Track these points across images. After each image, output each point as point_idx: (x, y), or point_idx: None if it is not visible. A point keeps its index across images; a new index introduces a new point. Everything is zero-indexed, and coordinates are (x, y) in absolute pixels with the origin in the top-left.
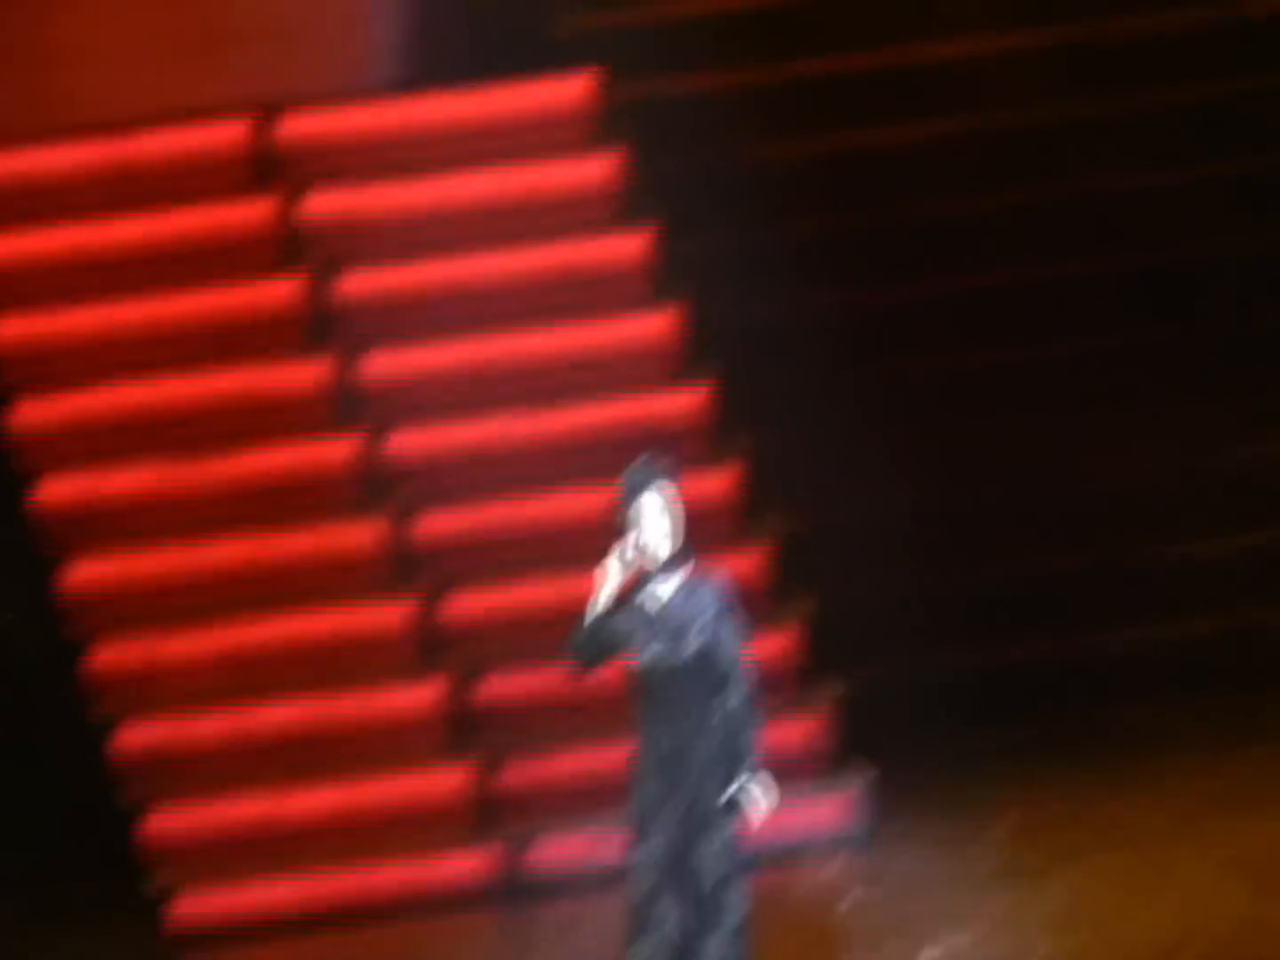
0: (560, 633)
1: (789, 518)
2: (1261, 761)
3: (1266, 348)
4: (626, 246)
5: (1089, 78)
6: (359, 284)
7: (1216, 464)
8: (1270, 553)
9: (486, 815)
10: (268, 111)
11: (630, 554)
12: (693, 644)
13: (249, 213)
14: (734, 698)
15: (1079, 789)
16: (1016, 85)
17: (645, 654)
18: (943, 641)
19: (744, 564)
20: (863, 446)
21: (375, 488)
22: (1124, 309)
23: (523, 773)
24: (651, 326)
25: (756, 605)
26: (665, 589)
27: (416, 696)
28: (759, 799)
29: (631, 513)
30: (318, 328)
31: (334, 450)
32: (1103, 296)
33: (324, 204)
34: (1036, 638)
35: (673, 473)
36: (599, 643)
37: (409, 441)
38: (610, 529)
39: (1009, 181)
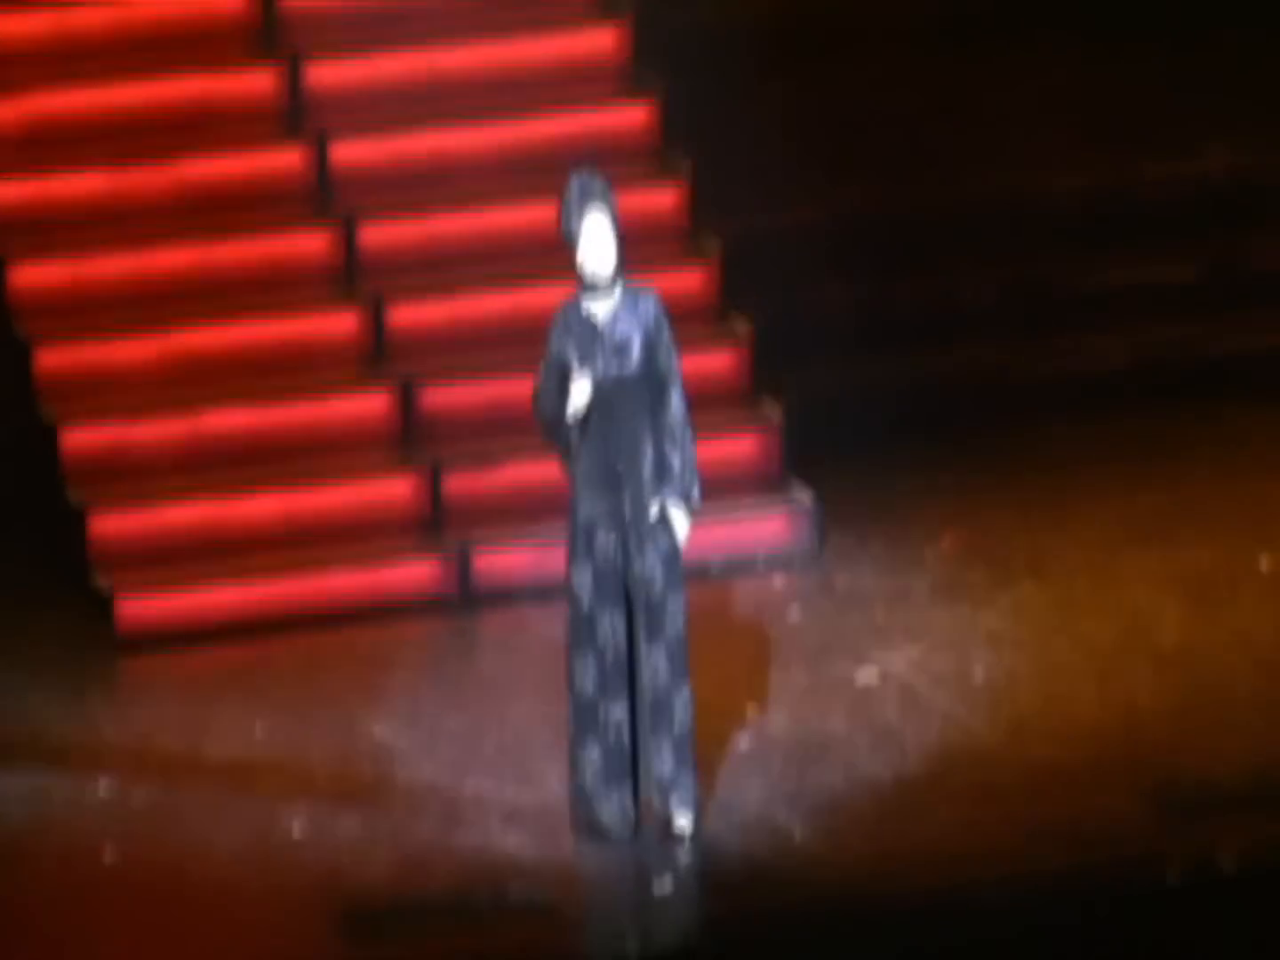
0: (505, 347)
1: (728, 232)
2: (1198, 481)
3: None
4: None
5: None
6: None
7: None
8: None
9: (433, 525)
10: None
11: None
12: (636, 358)
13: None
14: (672, 412)
15: (1019, 509)
16: None
17: (591, 370)
18: (882, 354)
19: (685, 281)
20: (798, 155)
21: (326, 200)
22: None
23: (469, 483)
24: (598, 41)
25: (697, 323)
26: (606, 306)
27: (365, 406)
28: (693, 511)
29: (574, 228)
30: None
31: (284, 159)
32: None
33: None
34: (970, 350)
35: (613, 189)
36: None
37: (354, 153)
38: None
39: None
